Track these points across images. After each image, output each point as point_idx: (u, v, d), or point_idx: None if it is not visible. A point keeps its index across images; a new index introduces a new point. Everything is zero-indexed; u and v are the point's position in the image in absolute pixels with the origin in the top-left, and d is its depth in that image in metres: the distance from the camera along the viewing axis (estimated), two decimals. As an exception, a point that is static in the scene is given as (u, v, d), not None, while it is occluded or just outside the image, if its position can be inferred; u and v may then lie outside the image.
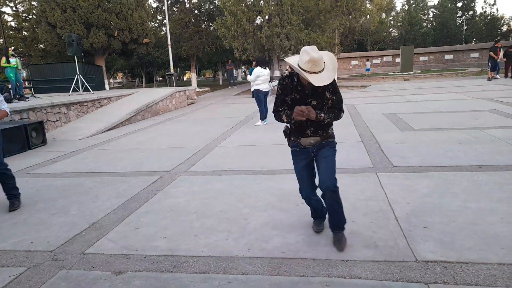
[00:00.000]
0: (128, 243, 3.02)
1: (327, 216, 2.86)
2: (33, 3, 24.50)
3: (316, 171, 2.77)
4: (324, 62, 2.41)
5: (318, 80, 2.35)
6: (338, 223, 2.74)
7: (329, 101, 2.59)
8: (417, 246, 2.65)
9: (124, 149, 6.91)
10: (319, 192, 2.75)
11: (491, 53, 16.46)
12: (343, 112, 2.66)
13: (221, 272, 2.51)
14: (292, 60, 2.48)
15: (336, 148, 2.80)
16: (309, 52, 2.35)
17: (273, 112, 2.68)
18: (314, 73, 2.35)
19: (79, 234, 3.26)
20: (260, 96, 8.64)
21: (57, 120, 9.32)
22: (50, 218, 3.67)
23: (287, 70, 18.74)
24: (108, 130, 9.37)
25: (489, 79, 16.47)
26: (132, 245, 2.97)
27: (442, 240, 2.71)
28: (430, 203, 3.40)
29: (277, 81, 13.61)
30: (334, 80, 2.51)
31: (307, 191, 2.80)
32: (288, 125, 2.77)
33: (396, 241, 2.75)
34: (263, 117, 8.77)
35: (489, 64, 16.61)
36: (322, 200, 2.76)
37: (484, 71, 23.56)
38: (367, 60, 29.66)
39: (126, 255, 2.82)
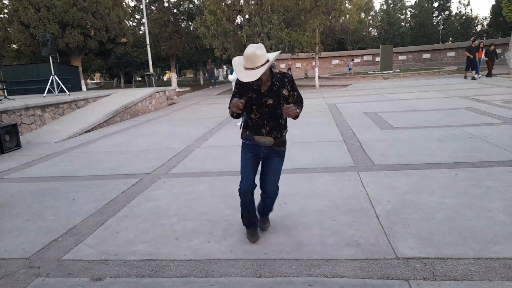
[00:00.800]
0: (107, 248, 2.95)
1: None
2: (4, 1, 23.67)
3: (260, 173, 2.84)
4: (268, 61, 2.41)
5: (243, 76, 2.39)
6: (267, 211, 3.02)
7: (289, 98, 2.61)
8: (398, 243, 2.69)
9: (102, 152, 6.76)
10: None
11: (467, 53, 16.63)
12: (302, 102, 2.71)
13: (203, 275, 2.47)
14: (237, 60, 2.53)
15: (284, 158, 2.84)
16: (248, 47, 2.38)
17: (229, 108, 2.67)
18: (246, 69, 2.38)
19: (56, 240, 3.15)
20: (241, 96, 8.60)
21: (31, 123, 9.03)
22: (25, 224, 3.53)
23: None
24: (86, 132, 9.14)
25: (465, 77, 16.75)
26: (111, 250, 2.90)
27: (421, 237, 2.75)
28: (410, 200, 3.45)
29: None
30: (291, 77, 2.60)
31: (246, 184, 2.71)
32: (245, 120, 2.81)
33: (377, 239, 2.77)
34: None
35: (466, 64, 16.77)
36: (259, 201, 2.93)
37: (460, 70, 24.26)
38: (352, 60, 29.93)
39: (105, 261, 2.75)
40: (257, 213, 2.95)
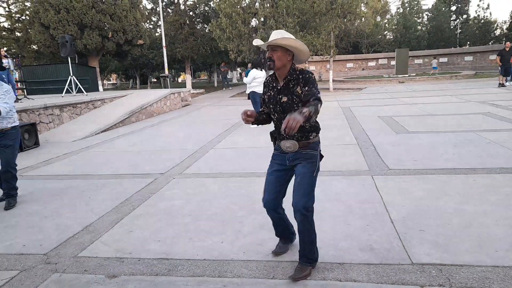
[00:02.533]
0: (122, 246, 2.99)
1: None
2: (26, 3, 24.32)
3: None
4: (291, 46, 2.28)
5: (259, 41, 2.36)
6: (306, 254, 2.42)
7: (300, 96, 2.29)
8: (413, 248, 2.65)
9: (118, 151, 6.86)
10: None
11: (498, 58, 14.90)
12: (321, 102, 2.21)
13: (216, 275, 2.48)
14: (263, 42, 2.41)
15: (317, 163, 2.42)
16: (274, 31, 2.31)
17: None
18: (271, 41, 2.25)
19: (72, 237, 3.22)
20: (256, 98, 8.63)
21: (50, 122, 9.23)
22: (42, 221, 3.62)
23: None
24: (102, 132, 9.29)
25: (501, 84, 14.78)
26: (126, 248, 2.94)
27: (437, 243, 2.71)
28: (426, 206, 3.40)
29: None
30: (308, 73, 2.29)
31: (267, 199, 2.45)
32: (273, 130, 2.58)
33: (391, 244, 2.74)
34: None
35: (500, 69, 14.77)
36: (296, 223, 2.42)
37: (478, 75, 23.79)
38: (434, 58, 28.24)
39: (120, 259, 2.79)
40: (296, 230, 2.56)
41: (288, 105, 2.31)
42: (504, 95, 11.87)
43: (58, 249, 3.00)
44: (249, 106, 9.65)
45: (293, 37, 2.25)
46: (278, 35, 2.23)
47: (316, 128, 2.39)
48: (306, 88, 2.26)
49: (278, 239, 2.77)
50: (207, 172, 5.04)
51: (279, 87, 2.35)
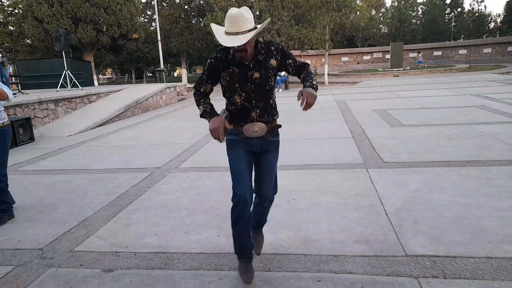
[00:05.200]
0: (118, 240, 2.99)
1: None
2: (19, -3, 24.00)
3: (254, 175, 2.27)
4: (256, 27, 1.95)
5: (226, 41, 1.90)
6: (262, 222, 2.54)
7: (274, 69, 2.12)
8: (407, 240, 2.68)
9: (114, 146, 6.84)
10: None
11: None
12: (309, 65, 2.18)
13: (213, 268, 2.50)
14: (217, 27, 2.06)
15: (279, 150, 2.34)
16: (231, 9, 1.92)
17: (193, 88, 2.23)
18: (230, 33, 1.90)
19: (68, 232, 3.21)
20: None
21: (44, 117, 9.17)
22: (38, 216, 3.61)
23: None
24: (97, 126, 9.25)
25: None
26: (122, 242, 2.94)
27: (432, 235, 2.74)
28: (420, 198, 3.43)
29: None
30: (278, 44, 2.13)
31: (243, 189, 2.10)
32: (225, 108, 2.26)
33: (386, 236, 2.77)
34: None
35: None
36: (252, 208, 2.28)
37: (472, 68, 23.88)
38: (419, 52, 28.24)
39: (116, 253, 2.79)
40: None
41: (261, 81, 2.09)
42: (498, 88, 11.93)
43: (54, 244, 3.00)
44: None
45: (251, 15, 1.95)
46: (243, 23, 1.88)
47: (276, 108, 2.27)
48: (290, 61, 2.12)
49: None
50: (203, 166, 5.04)
51: (246, 63, 2.06)
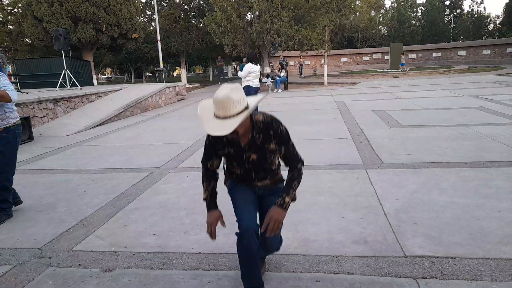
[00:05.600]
0: (117, 240, 2.99)
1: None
2: (18, -4, 23.95)
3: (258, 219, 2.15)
4: (247, 108, 1.75)
5: (212, 128, 1.73)
6: (266, 255, 2.38)
7: (274, 152, 1.99)
8: (406, 241, 2.68)
9: (113, 145, 6.83)
10: None
11: None
12: (303, 163, 2.04)
13: (211, 268, 2.50)
14: (204, 104, 1.87)
15: None
16: (219, 89, 1.74)
17: (201, 162, 2.14)
18: (217, 117, 1.72)
19: (67, 231, 3.21)
20: (250, 93, 8.61)
21: (43, 116, 9.16)
22: (36, 215, 3.60)
23: (278, 66, 18.75)
24: (97, 126, 9.24)
25: None
26: (121, 242, 2.94)
27: (430, 235, 2.74)
28: (419, 199, 3.44)
29: (266, 78, 13.59)
30: (278, 126, 1.94)
31: (248, 218, 1.98)
32: (226, 167, 2.17)
33: (385, 237, 2.77)
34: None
35: None
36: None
37: (471, 69, 23.90)
38: (402, 54, 28.44)
39: (115, 252, 2.79)
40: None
41: (259, 161, 1.99)
42: (497, 89, 11.95)
43: (53, 243, 2.99)
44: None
45: (242, 95, 1.75)
46: (229, 107, 1.70)
47: (280, 165, 2.14)
48: (283, 148, 1.97)
49: None
50: (202, 166, 5.03)
51: (243, 145, 1.95)
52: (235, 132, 1.76)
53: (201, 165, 2.14)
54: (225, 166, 2.17)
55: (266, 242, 2.08)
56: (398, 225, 2.94)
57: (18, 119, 3.57)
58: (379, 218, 3.10)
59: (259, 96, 1.97)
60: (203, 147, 2.10)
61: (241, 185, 2.12)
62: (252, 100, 1.81)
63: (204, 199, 2.11)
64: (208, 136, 1.98)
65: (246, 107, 1.75)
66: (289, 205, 1.94)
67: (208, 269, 2.49)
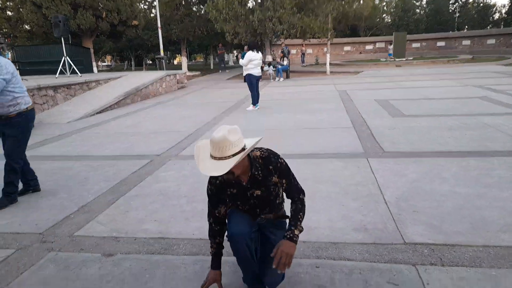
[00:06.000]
0: (118, 226, 3.00)
1: None
2: (17, -19, 23.64)
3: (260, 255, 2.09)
4: (244, 149, 1.73)
5: (206, 168, 1.71)
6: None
7: (276, 185, 1.97)
8: (406, 229, 2.69)
9: (113, 133, 6.82)
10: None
11: None
12: (304, 194, 2.05)
13: (212, 254, 2.50)
14: (202, 144, 1.83)
15: None
16: (216, 130, 1.72)
17: (208, 219, 2.08)
18: (214, 158, 1.70)
19: (68, 217, 3.22)
20: (252, 81, 8.56)
21: (44, 103, 9.13)
22: (38, 201, 3.61)
23: (279, 55, 18.59)
24: (97, 113, 9.22)
25: None
26: (122, 228, 2.95)
27: (431, 224, 2.74)
28: (420, 188, 3.43)
29: (268, 66, 13.48)
30: (276, 160, 1.93)
31: (239, 229, 1.90)
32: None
33: (385, 225, 2.77)
34: (255, 102, 8.71)
35: None
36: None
37: (476, 59, 23.70)
38: (390, 44, 28.51)
39: (116, 238, 2.80)
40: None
41: (265, 196, 1.96)
42: (501, 80, 11.86)
43: (54, 229, 3.01)
44: (245, 88, 9.58)
45: (239, 136, 1.73)
46: (226, 148, 1.68)
47: (284, 200, 2.13)
48: (285, 180, 1.96)
49: None
50: (203, 154, 5.02)
51: (244, 184, 1.92)
52: (230, 172, 1.73)
53: (208, 220, 2.09)
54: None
55: (265, 277, 2.00)
56: (399, 213, 2.94)
57: (30, 104, 3.56)
58: (379, 206, 3.10)
59: (257, 138, 1.87)
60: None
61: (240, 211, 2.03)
62: (249, 142, 1.81)
63: (210, 254, 2.09)
64: (209, 186, 1.97)
65: (243, 148, 1.73)
66: (298, 238, 1.88)
67: (209, 255, 2.49)
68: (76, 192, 3.83)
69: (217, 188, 1.95)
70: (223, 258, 2.43)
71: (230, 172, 1.71)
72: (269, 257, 1.87)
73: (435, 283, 2.05)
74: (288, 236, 1.86)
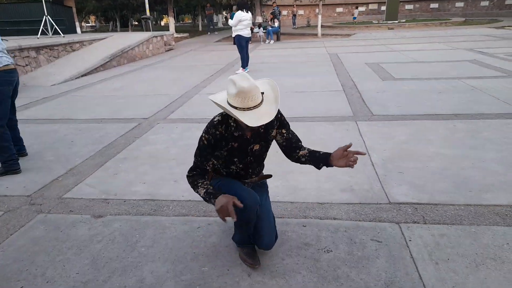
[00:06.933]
0: (107, 188, 3.01)
1: None
2: None
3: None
4: (263, 93, 1.71)
5: (254, 119, 1.62)
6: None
7: (272, 139, 1.99)
8: (391, 189, 2.75)
9: (100, 96, 6.68)
10: None
11: None
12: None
13: (201, 215, 2.55)
14: (220, 99, 1.73)
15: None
16: (236, 81, 1.62)
17: (188, 173, 1.94)
18: (248, 109, 1.64)
19: (56, 180, 3.21)
20: (241, 43, 8.34)
21: (26, 65, 8.81)
22: (25, 164, 3.56)
23: (269, 16, 18.04)
24: (82, 76, 8.96)
25: None
26: (111, 190, 2.96)
27: (415, 184, 2.81)
28: (406, 150, 3.48)
29: (258, 28, 13.08)
30: (279, 114, 1.92)
31: (251, 192, 1.89)
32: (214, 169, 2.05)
33: (371, 185, 2.83)
34: (245, 64, 8.54)
35: None
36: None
37: (468, 22, 23.39)
38: (356, 8, 28.62)
39: (105, 200, 2.82)
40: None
41: (261, 151, 1.97)
42: (491, 43, 11.79)
43: (42, 191, 3.00)
44: (234, 51, 9.36)
45: (261, 85, 1.72)
46: (258, 95, 1.65)
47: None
48: (285, 130, 1.97)
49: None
50: (192, 117, 4.98)
51: (247, 137, 1.87)
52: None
53: (190, 173, 1.92)
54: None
55: (262, 239, 1.96)
56: (385, 175, 3.00)
57: (7, 63, 3.31)
58: (366, 168, 3.15)
59: (266, 79, 1.84)
60: (196, 149, 1.91)
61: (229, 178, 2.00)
62: (261, 84, 1.77)
63: (205, 195, 1.81)
64: (206, 136, 1.84)
65: (262, 92, 1.71)
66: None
67: (198, 215, 2.54)
68: (63, 155, 3.79)
69: (216, 140, 1.84)
70: (211, 218, 2.48)
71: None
72: (265, 218, 1.94)
73: (417, 240, 2.13)
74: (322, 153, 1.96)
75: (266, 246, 1.99)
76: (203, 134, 1.85)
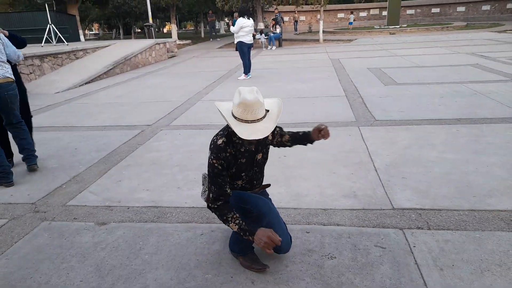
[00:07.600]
0: (111, 195, 3.02)
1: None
2: None
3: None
4: (268, 111, 1.73)
5: (246, 132, 1.62)
6: None
7: (270, 144, 2.07)
8: (394, 195, 2.74)
9: (103, 103, 6.72)
10: None
11: None
12: None
13: (204, 221, 2.55)
14: (224, 108, 1.76)
15: None
16: (242, 92, 1.65)
17: (211, 205, 1.86)
18: (246, 121, 1.64)
19: (60, 187, 3.22)
20: (243, 49, 8.39)
21: (30, 73, 8.89)
22: (29, 172, 3.59)
23: (271, 22, 18.14)
24: (85, 83, 9.03)
25: None
26: (115, 197, 2.97)
27: (418, 189, 2.80)
28: (409, 155, 3.48)
29: (259, 34, 13.16)
30: None
31: (266, 201, 2.01)
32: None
33: (374, 191, 2.83)
34: (247, 71, 8.58)
35: None
36: None
37: (469, 26, 23.41)
38: (351, 13, 28.82)
39: (109, 207, 2.82)
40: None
41: (263, 159, 2.03)
42: (494, 47, 11.79)
43: (46, 199, 3.02)
44: (237, 57, 9.40)
45: (262, 100, 1.70)
46: (261, 109, 1.67)
47: None
48: (277, 129, 2.07)
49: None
50: (195, 124, 5.00)
51: (253, 149, 1.89)
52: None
53: (213, 204, 1.86)
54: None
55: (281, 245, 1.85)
56: (388, 180, 2.99)
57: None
58: (369, 173, 3.15)
59: (275, 99, 1.86)
60: (209, 177, 1.86)
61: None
62: (268, 102, 1.81)
63: (239, 230, 1.80)
64: (218, 161, 1.79)
65: (267, 110, 1.74)
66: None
67: (201, 222, 2.54)
68: (67, 162, 3.81)
69: (228, 162, 1.83)
70: (214, 225, 2.48)
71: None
72: (276, 222, 1.93)
73: (421, 246, 2.12)
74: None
75: (285, 249, 1.99)
76: (213, 160, 1.80)
